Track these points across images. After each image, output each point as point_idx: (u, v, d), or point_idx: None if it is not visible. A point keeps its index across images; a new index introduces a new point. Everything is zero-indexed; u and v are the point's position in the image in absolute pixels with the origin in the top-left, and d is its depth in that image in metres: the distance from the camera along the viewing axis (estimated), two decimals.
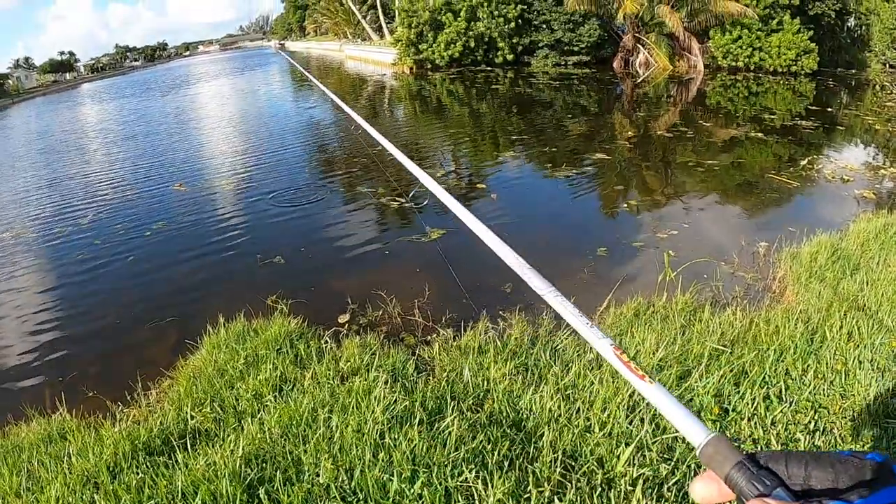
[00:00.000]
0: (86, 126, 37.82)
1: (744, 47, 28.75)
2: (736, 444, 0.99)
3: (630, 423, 4.15)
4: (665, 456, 3.91)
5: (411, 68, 39.97)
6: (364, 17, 62.35)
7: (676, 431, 3.86)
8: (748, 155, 15.66)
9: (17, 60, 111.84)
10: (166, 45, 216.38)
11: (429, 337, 6.83)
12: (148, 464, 4.50)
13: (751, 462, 0.95)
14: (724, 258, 8.69)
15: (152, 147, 24.30)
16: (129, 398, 6.33)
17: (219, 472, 4.13)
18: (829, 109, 22.36)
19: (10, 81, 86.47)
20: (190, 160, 20.84)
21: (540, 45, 35.58)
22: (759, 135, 17.27)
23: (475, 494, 3.58)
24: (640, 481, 3.67)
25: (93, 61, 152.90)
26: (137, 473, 4.36)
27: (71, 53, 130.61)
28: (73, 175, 20.83)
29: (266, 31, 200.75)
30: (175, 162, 20.61)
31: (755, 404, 4.47)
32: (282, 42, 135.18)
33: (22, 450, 5.25)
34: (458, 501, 3.57)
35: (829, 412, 4.47)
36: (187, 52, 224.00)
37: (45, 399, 6.81)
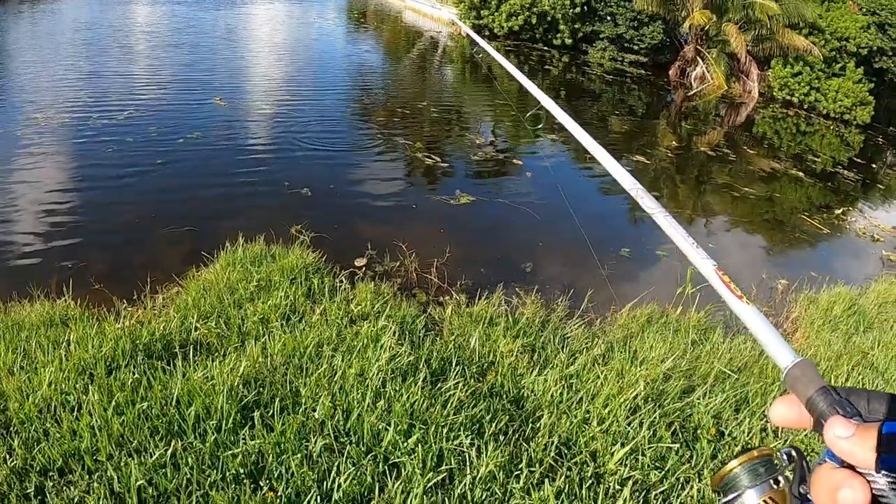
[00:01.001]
0: (135, 25, 37.56)
1: (802, 84, 28.24)
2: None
3: (629, 425, 4.15)
4: (657, 464, 3.92)
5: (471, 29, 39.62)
6: None
7: (672, 444, 3.85)
8: (784, 191, 15.49)
9: None
10: None
11: (441, 298, 6.85)
12: (146, 365, 4.54)
13: (833, 390, 0.95)
14: (743, 287, 8.59)
15: (198, 58, 24.17)
16: (135, 298, 6.38)
17: (216, 388, 4.15)
18: (873, 165, 22.05)
19: None
20: (234, 78, 20.72)
21: (601, 36, 35.02)
22: (799, 174, 17.06)
23: (467, 460, 3.59)
24: (630, 483, 3.68)
25: None
26: (134, 373, 4.39)
27: None
28: (114, 70, 20.75)
29: None
30: (219, 77, 20.49)
31: (751, 433, 4.46)
32: None
33: (21, 328, 5.30)
34: (450, 464, 3.58)
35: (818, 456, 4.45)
36: None
37: (51, 283, 6.85)
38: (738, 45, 28.71)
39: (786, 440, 4.46)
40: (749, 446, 1.05)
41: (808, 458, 1.01)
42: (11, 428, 3.90)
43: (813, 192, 15.99)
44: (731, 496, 1.06)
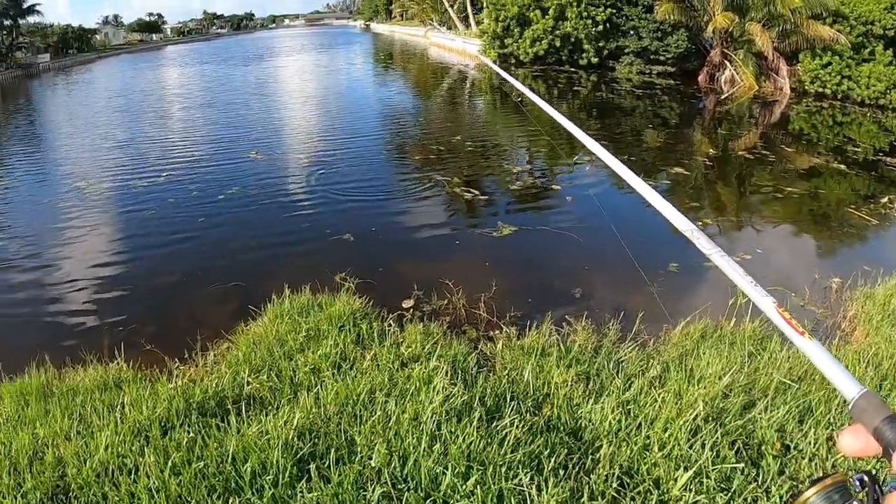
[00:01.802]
0: (166, 88, 38.75)
1: (833, 74, 27.71)
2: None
3: (691, 447, 4.04)
4: (723, 486, 3.80)
5: (495, 61, 39.83)
6: (451, 6, 62.24)
7: (736, 464, 3.74)
8: (827, 186, 15.14)
9: (107, 17, 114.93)
10: (253, 15, 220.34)
11: (491, 332, 6.81)
12: (200, 424, 4.57)
13: None
14: (796, 290, 8.38)
15: (231, 114, 24.82)
16: (186, 356, 6.47)
17: (271, 442, 4.16)
18: None
19: (97, 37, 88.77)
20: (268, 131, 21.21)
21: (626, 51, 35.01)
22: (841, 166, 16.67)
23: (528, 499, 3.53)
24: None
25: (180, 24, 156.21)
26: (189, 432, 4.42)
27: (159, 15, 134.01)
28: (150, 135, 21.42)
29: (352, 11, 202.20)
30: (253, 132, 21.00)
31: (818, 444, 4.31)
32: (367, 23, 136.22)
33: (76, 393, 5.43)
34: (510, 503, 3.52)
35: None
36: (273, 25, 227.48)
37: (103, 346, 7.03)
38: (764, 43, 28.40)
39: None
40: (824, 474, 1.05)
41: (882, 483, 1.03)
42: (70, 493, 3.97)
43: (857, 183, 15.60)
44: None
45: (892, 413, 1.00)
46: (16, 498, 3.93)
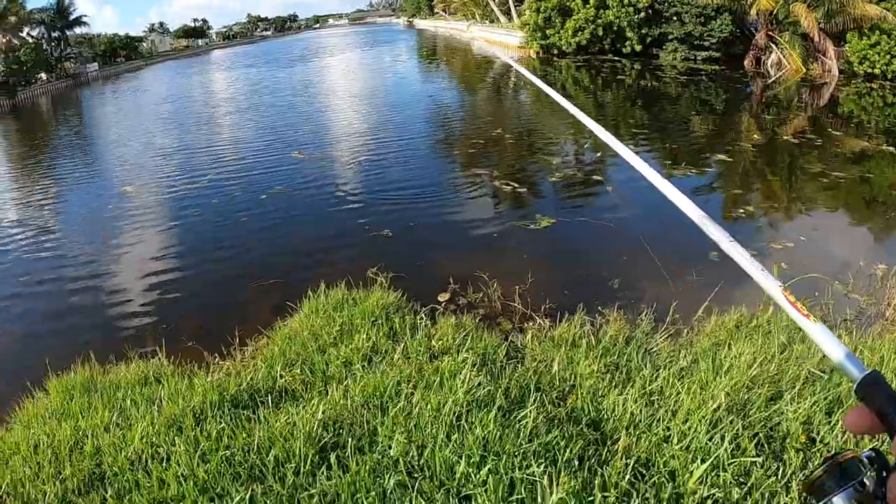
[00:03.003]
0: (212, 92, 39.41)
1: (882, 54, 26.82)
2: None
3: (710, 439, 4.00)
4: (740, 479, 3.76)
5: (537, 53, 39.67)
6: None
7: (756, 456, 3.69)
8: (878, 169, 14.72)
9: (152, 25, 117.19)
10: (296, 16, 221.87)
11: (525, 324, 6.82)
12: (232, 415, 4.71)
13: None
14: (839, 277, 8.17)
15: (276, 115, 25.18)
16: (225, 351, 6.62)
17: (295, 432, 4.27)
18: None
19: (144, 45, 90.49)
20: (312, 131, 21.47)
21: (669, 37, 34.48)
22: (892, 149, 16.19)
23: (539, 490, 3.55)
24: (709, 502, 3.55)
25: (224, 29, 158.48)
26: (220, 423, 4.58)
27: (204, 21, 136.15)
28: (196, 138, 21.90)
29: (395, 9, 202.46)
30: (298, 132, 21.26)
31: (845, 437, 4.22)
32: (410, 20, 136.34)
33: (118, 387, 5.65)
34: (521, 493, 3.55)
35: None
36: (317, 25, 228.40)
37: (146, 342, 7.32)
38: (810, 24, 27.73)
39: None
40: (835, 452, 1.09)
41: (888, 459, 1.06)
42: (105, 480, 4.16)
43: None
44: (820, 503, 1.11)
45: None
46: (55, 484, 4.14)
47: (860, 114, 21.84)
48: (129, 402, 5.19)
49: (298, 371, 5.56)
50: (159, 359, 6.41)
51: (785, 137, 17.93)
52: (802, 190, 13.25)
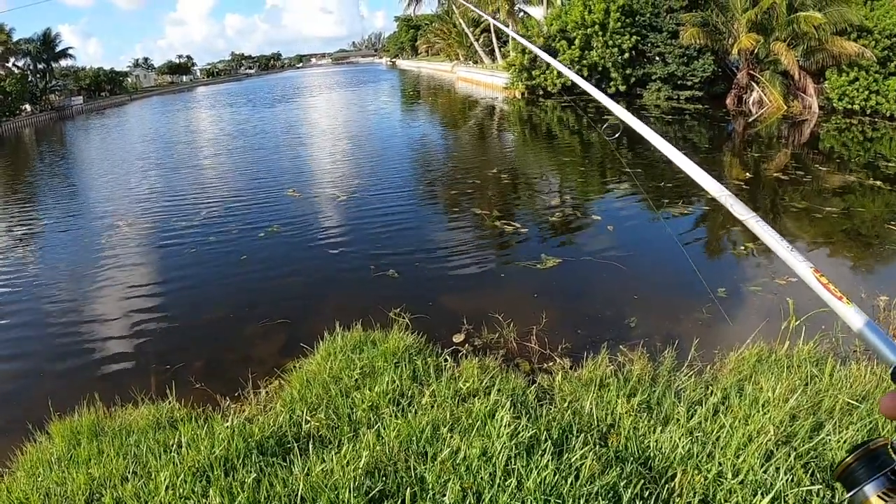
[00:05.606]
0: (198, 130, 39.37)
1: (860, 90, 27.41)
2: None
3: (765, 472, 3.98)
4: None
5: (523, 93, 40.10)
6: (477, 40, 62.65)
7: (811, 486, 3.66)
8: (863, 203, 14.94)
9: (137, 60, 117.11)
10: (280, 55, 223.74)
11: (545, 364, 6.80)
12: (262, 464, 4.58)
13: None
14: None
15: (265, 154, 25.21)
16: (237, 394, 6.51)
17: (338, 482, 4.15)
18: None
19: (129, 79, 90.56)
20: (303, 170, 21.53)
21: (653, 77, 35.09)
22: (875, 182, 16.38)
23: None
24: None
25: (209, 66, 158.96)
26: (251, 472, 4.43)
27: (188, 57, 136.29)
28: (187, 175, 21.83)
29: (378, 49, 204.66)
30: (288, 170, 21.30)
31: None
32: (393, 60, 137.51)
33: (129, 432, 5.47)
34: None
35: None
36: (300, 64, 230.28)
37: (151, 385, 7.17)
38: (790, 62, 28.32)
39: None
40: (865, 440, 1.07)
41: None
42: None
43: (893, 199, 15.37)
44: (852, 492, 1.11)
45: None
46: None
47: (841, 149, 22.31)
48: (143, 448, 4.98)
49: (323, 416, 5.45)
50: (170, 401, 6.24)
51: (770, 174, 18.24)
52: (793, 225, 13.38)
